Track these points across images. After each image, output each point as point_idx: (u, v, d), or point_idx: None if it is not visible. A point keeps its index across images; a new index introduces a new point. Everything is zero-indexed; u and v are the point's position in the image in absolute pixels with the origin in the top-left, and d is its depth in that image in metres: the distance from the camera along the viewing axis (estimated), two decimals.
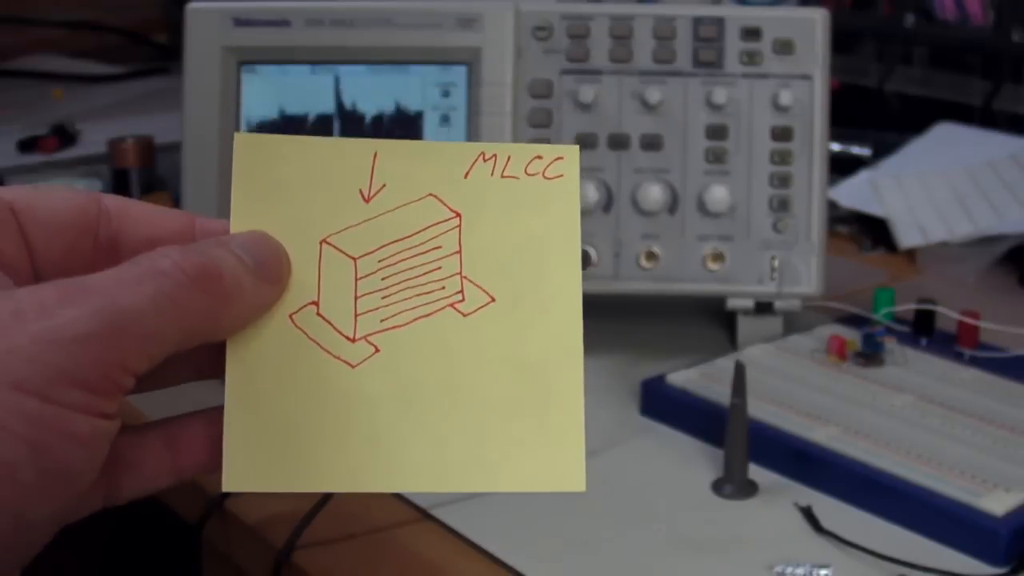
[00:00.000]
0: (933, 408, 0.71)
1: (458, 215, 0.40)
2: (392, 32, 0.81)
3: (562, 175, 0.40)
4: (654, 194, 0.80)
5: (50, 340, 0.33)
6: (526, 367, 0.39)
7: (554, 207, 0.40)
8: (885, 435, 0.68)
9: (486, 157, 0.40)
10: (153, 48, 1.73)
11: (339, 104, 0.82)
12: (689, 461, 0.70)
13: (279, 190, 0.40)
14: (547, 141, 0.81)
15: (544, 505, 0.66)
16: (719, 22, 0.81)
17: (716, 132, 0.80)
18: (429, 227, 0.40)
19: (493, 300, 0.40)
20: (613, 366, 0.81)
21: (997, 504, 0.61)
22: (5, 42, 1.66)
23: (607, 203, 0.81)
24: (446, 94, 0.82)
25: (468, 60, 0.81)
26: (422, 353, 0.39)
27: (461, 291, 0.40)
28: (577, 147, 0.41)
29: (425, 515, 0.66)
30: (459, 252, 0.40)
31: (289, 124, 0.82)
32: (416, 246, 0.40)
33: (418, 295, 0.40)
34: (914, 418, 0.70)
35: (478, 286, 0.40)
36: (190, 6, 0.82)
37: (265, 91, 0.82)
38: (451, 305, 0.40)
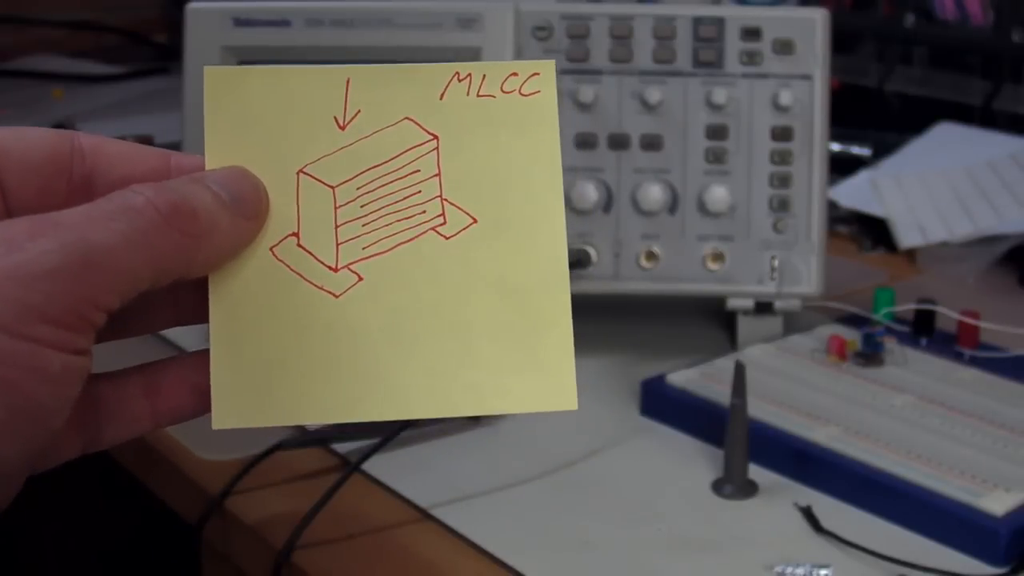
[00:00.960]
0: (933, 408, 0.71)
1: (435, 137, 0.39)
2: (392, 32, 0.81)
3: (539, 91, 0.40)
4: (654, 194, 0.80)
5: (19, 275, 0.33)
6: (512, 288, 0.39)
7: (532, 125, 0.39)
8: (885, 435, 0.68)
9: (461, 77, 0.40)
10: (153, 48, 1.73)
11: None
12: (689, 461, 0.70)
13: (253, 123, 0.39)
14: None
15: (544, 505, 0.66)
16: (719, 22, 0.81)
17: (716, 132, 0.80)
18: (407, 151, 0.39)
19: (475, 221, 0.39)
20: (613, 366, 0.81)
21: (997, 504, 0.61)
22: (5, 42, 1.66)
23: (607, 203, 0.81)
24: None
25: (468, 60, 0.81)
26: (406, 278, 0.39)
27: (442, 214, 0.39)
28: (552, 62, 0.40)
29: (425, 515, 0.66)
30: (438, 175, 0.39)
31: None
32: (394, 171, 0.39)
33: (399, 220, 0.39)
34: (914, 418, 0.70)
35: (459, 208, 0.39)
36: (190, 6, 0.82)
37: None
38: (433, 229, 0.39)
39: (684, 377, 0.75)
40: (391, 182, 0.39)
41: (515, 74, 0.40)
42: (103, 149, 0.39)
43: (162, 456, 0.73)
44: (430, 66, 0.40)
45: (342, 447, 0.71)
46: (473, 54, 0.81)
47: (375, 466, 0.68)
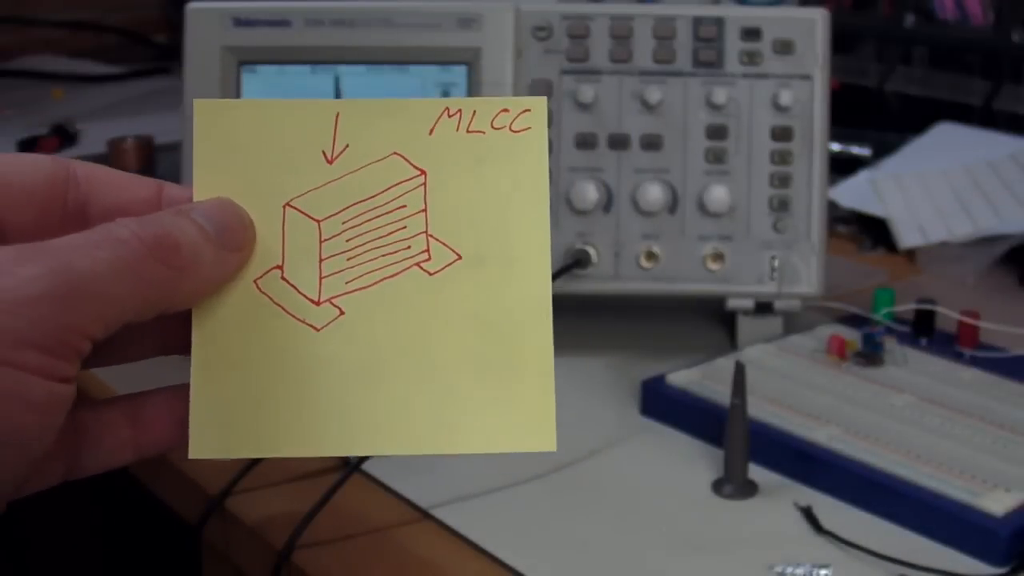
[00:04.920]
0: (933, 408, 0.71)
1: (423, 173, 0.39)
2: (392, 32, 0.81)
3: (529, 127, 0.39)
4: (654, 194, 0.80)
5: (3, 300, 0.33)
6: (494, 326, 0.39)
7: (521, 161, 0.39)
8: (885, 435, 0.68)
9: (451, 113, 0.39)
10: (153, 48, 1.73)
11: None
12: (689, 461, 0.70)
13: (241, 155, 0.39)
14: (547, 141, 0.81)
15: (544, 505, 0.66)
16: (719, 22, 0.81)
17: (716, 132, 0.80)
18: (394, 186, 0.39)
19: (460, 258, 0.39)
20: (613, 366, 0.81)
21: (997, 504, 0.61)
22: (5, 42, 1.66)
23: (607, 203, 0.81)
24: (446, 94, 0.81)
25: (468, 60, 0.81)
26: (387, 314, 0.39)
27: (427, 250, 0.39)
28: (544, 99, 0.40)
29: (424, 515, 0.66)
30: (424, 211, 0.39)
31: None
32: (381, 206, 0.39)
33: (383, 255, 0.39)
34: (914, 418, 0.70)
35: (444, 244, 0.39)
36: (190, 6, 0.82)
37: (265, 91, 0.82)
38: (417, 264, 0.39)
39: (684, 377, 0.75)
40: (377, 217, 0.39)
41: (506, 110, 0.40)
42: (97, 177, 0.39)
43: (162, 456, 0.73)
44: (420, 101, 0.40)
45: None
46: (473, 54, 0.81)
47: (375, 466, 0.68)
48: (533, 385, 0.39)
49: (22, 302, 0.33)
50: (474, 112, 0.39)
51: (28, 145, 1.18)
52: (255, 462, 0.68)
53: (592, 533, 0.64)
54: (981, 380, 0.75)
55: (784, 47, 0.80)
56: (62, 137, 1.21)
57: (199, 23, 0.82)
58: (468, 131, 0.39)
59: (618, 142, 0.81)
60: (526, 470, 0.69)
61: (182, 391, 0.38)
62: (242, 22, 0.81)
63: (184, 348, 0.39)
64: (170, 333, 0.40)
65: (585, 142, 0.81)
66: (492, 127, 0.39)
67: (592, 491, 0.68)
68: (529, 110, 0.39)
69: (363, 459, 0.66)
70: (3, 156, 0.38)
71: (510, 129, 0.39)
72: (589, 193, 0.80)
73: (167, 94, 1.35)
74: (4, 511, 0.36)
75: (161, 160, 1.08)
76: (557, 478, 0.69)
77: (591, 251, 0.80)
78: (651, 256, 0.81)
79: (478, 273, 0.39)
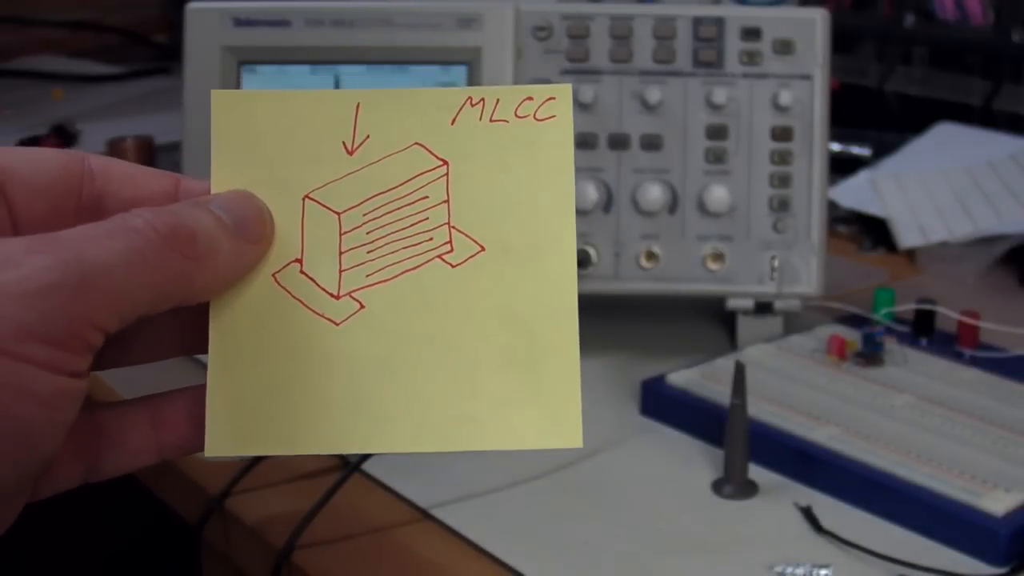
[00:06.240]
0: (933, 408, 0.71)
1: (445, 163, 0.38)
2: (392, 32, 0.81)
3: (554, 116, 0.39)
4: (654, 194, 0.80)
5: (13, 292, 0.31)
6: (518, 319, 0.38)
7: (546, 150, 0.38)
8: (885, 435, 0.68)
9: (474, 102, 0.39)
10: (153, 48, 1.73)
11: None
12: (689, 461, 0.70)
13: (260, 147, 0.38)
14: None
15: (544, 505, 0.66)
16: (719, 22, 0.81)
17: (716, 132, 0.80)
18: (415, 177, 0.38)
19: (483, 249, 0.38)
20: (613, 366, 0.81)
21: (997, 504, 0.61)
22: (5, 42, 1.66)
23: (607, 203, 0.81)
24: None
25: (468, 60, 0.81)
26: (408, 307, 0.38)
27: (449, 241, 0.38)
28: (569, 86, 0.39)
29: (425, 515, 0.66)
30: (447, 201, 0.38)
31: None
32: (402, 197, 0.38)
33: (405, 248, 0.38)
34: (914, 418, 0.70)
35: (467, 236, 0.38)
36: (190, 6, 0.82)
37: None
38: (439, 257, 0.38)
39: (684, 377, 0.75)
40: (398, 208, 0.38)
41: (530, 99, 0.39)
42: (112, 171, 0.38)
43: None
44: (442, 90, 0.39)
45: None
46: (473, 54, 0.81)
47: (375, 466, 0.68)
48: (558, 379, 0.38)
49: (31, 293, 0.32)
50: (497, 101, 0.39)
51: (28, 145, 1.17)
52: (255, 462, 0.68)
53: (592, 533, 0.64)
54: (981, 380, 0.75)
55: (784, 47, 0.80)
56: (62, 137, 1.21)
57: (199, 23, 0.82)
58: (491, 120, 0.39)
59: (618, 142, 0.81)
60: (526, 470, 0.69)
61: (203, 391, 0.38)
62: (242, 22, 0.81)
63: (203, 347, 0.38)
64: (188, 331, 0.39)
65: (585, 142, 0.81)
66: (516, 116, 0.39)
67: (592, 491, 0.68)
68: (554, 98, 0.39)
69: (363, 459, 0.66)
70: (16, 149, 0.37)
71: (534, 118, 0.39)
72: (589, 193, 0.80)
73: (167, 94, 1.35)
74: (16, 517, 0.35)
75: (161, 160, 1.08)
76: (557, 478, 0.69)
77: (591, 251, 0.80)
78: (651, 256, 0.81)
79: (502, 265, 0.38)
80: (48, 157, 0.38)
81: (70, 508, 1.25)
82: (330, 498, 0.64)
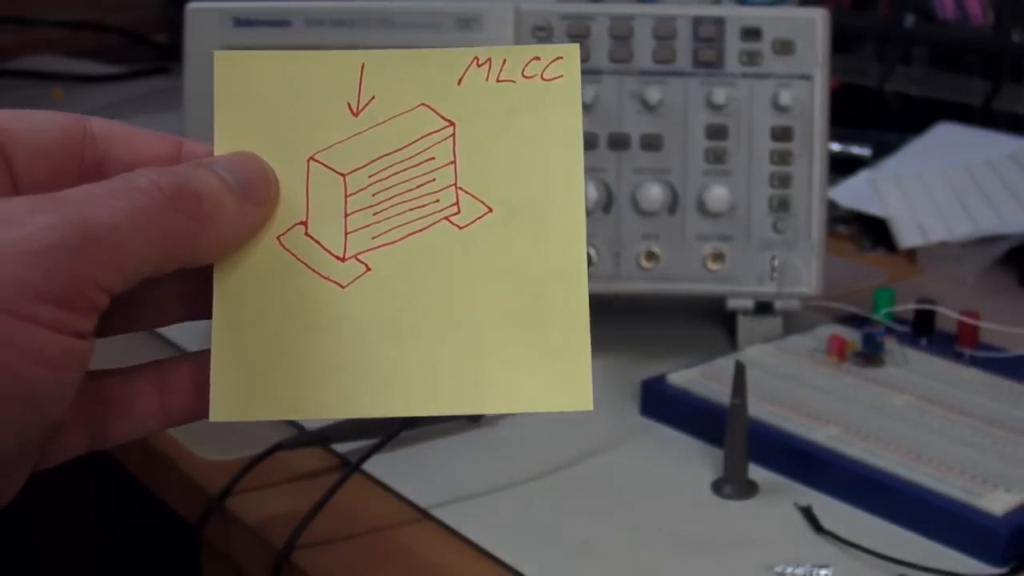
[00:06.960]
0: (933, 408, 0.71)
1: (452, 124, 0.38)
2: (392, 32, 0.81)
3: (561, 76, 0.38)
4: (654, 194, 0.80)
5: (16, 251, 0.31)
6: (526, 280, 0.37)
7: (554, 110, 0.38)
8: (885, 435, 0.68)
9: (480, 62, 0.38)
10: (153, 48, 1.73)
11: None
12: (689, 461, 0.70)
13: (264, 109, 0.38)
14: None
15: (544, 505, 0.66)
16: (719, 22, 0.81)
17: (716, 132, 0.80)
18: (421, 138, 0.38)
19: (490, 211, 0.38)
20: (613, 366, 0.81)
21: (997, 504, 0.61)
22: (5, 42, 1.66)
23: (607, 203, 0.81)
24: None
25: None
26: (415, 270, 0.37)
27: (456, 203, 0.38)
28: (576, 46, 0.38)
29: (425, 515, 0.66)
30: (453, 162, 0.38)
31: None
32: (408, 158, 0.38)
33: (411, 209, 0.38)
34: (914, 418, 0.70)
35: (474, 197, 0.38)
36: (190, 6, 0.82)
37: None
38: (446, 218, 0.38)
39: (684, 377, 0.75)
40: (405, 170, 0.38)
41: (537, 58, 0.38)
42: (115, 133, 0.38)
43: (162, 456, 0.73)
44: (448, 51, 0.38)
45: (342, 447, 0.71)
46: None
47: (375, 466, 0.68)
48: (568, 341, 0.37)
49: (35, 252, 0.31)
50: (504, 61, 0.38)
51: None
52: (255, 462, 0.68)
53: (592, 533, 0.64)
54: (981, 380, 0.75)
55: (784, 47, 0.80)
56: None
57: (199, 23, 0.82)
58: (498, 80, 0.38)
59: (618, 142, 0.81)
60: (526, 470, 0.69)
61: (209, 357, 0.37)
62: (242, 22, 0.81)
63: (208, 312, 0.37)
64: (192, 296, 0.38)
65: (585, 142, 0.80)
66: (523, 76, 0.38)
67: (592, 491, 0.68)
68: (561, 58, 0.38)
69: (363, 459, 0.66)
70: (17, 112, 0.37)
71: (541, 78, 0.38)
72: (589, 193, 0.80)
73: (167, 94, 1.35)
74: (22, 485, 0.34)
75: None
76: (557, 478, 0.69)
77: (591, 251, 0.80)
78: (651, 256, 0.81)
79: (509, 226, 0.38)
80: (49, 119, 0.37)
81: (70, 508, 1.25)
82: (330, 498, 0.64)
